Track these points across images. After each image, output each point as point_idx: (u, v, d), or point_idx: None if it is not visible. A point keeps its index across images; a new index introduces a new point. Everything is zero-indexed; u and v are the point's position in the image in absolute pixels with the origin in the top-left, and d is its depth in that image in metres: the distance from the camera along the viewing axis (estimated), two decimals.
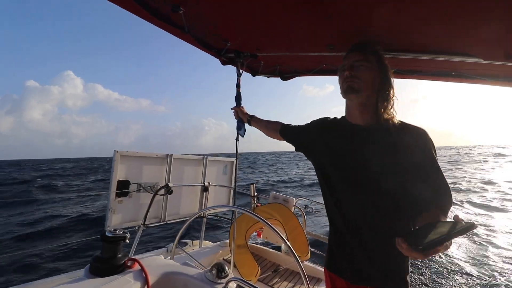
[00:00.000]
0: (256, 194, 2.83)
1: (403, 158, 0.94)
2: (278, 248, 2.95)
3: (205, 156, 2.98)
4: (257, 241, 3.40)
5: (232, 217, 2.34)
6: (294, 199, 2.95)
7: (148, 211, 2.06)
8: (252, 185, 2.84)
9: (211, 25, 1.29)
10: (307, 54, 1.43)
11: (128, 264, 0.97)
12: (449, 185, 0.93)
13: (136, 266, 0.96)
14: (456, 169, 25.15)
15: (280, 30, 1.23)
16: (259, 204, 2.79)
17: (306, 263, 2.57)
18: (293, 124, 1.39)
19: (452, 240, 0.67)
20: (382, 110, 0.99)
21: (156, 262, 1.07)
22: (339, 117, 1.18)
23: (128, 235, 0.99)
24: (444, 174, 0.94)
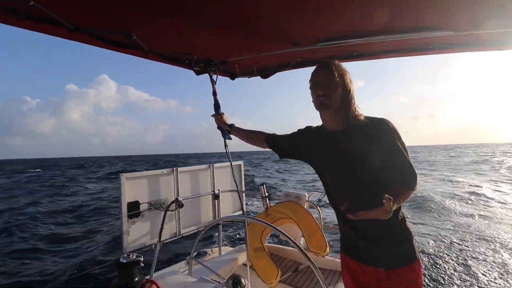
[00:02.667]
0: (267, 194, 2.80)
1: (373, 148, 1.16)
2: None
3: (211, 164, 2.99)
4: (275, 240, 3.39)
5: (244, 225, 2.33)
6: (307, 194, 2.92)
7: (162, 227, 2.08)
8: (261, 186, 2.81)
9: (171, 43, 1.28)
10: (277, 53, 1.42)
11: (146, 287, 0.98)
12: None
13: None
14: None
15: (241, 38, 1.23)
16: (271, 205, 2.78)
17: (328, 257, 2.53)
18: (278, 134, 1.56)
19: None
20: (350, 115, 1.23)
21: (174, 280, 1.08)
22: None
23: (142, 259, 1.00)
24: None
